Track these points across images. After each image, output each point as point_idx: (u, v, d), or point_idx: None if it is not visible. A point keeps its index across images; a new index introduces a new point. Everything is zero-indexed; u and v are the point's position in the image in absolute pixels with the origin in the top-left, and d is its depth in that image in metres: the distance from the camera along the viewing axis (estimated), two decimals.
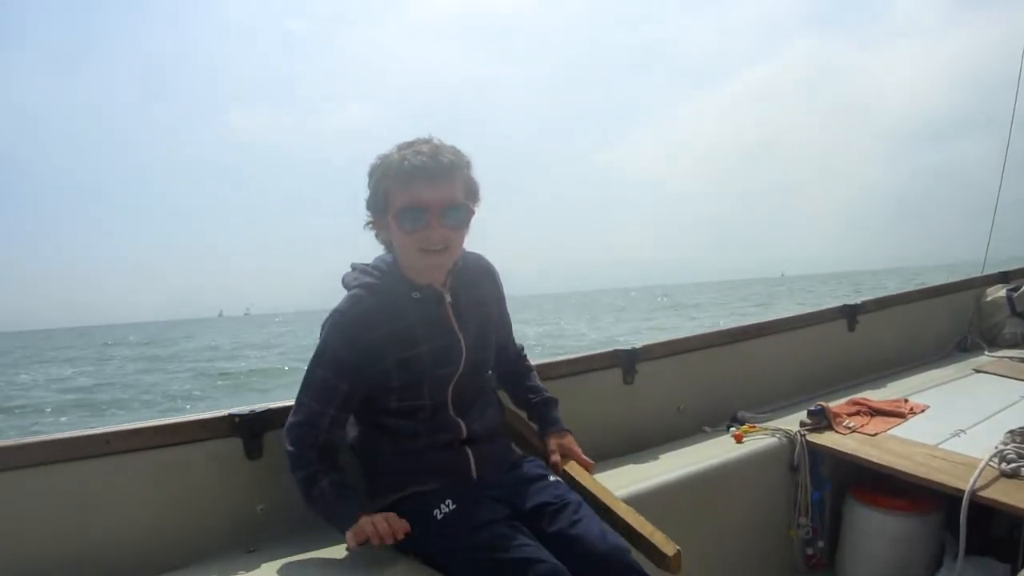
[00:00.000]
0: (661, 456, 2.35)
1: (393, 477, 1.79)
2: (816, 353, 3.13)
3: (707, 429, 2.61)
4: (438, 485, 1.75)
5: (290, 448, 1.73)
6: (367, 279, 1.77)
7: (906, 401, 2.66)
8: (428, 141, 1.71)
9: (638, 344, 2.60)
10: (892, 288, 3.82)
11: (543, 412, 2.03)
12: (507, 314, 2.00)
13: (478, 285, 1.87)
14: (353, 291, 1.76)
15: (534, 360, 2.20)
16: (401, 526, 1.62)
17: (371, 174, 1.74)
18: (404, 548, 1.70)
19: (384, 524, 1.61)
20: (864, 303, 3.35)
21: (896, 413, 2.54)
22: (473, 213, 1.74)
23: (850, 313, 3.28)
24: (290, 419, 1.75)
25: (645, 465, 2.27)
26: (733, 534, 2.25)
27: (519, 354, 2.10)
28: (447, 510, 1.70)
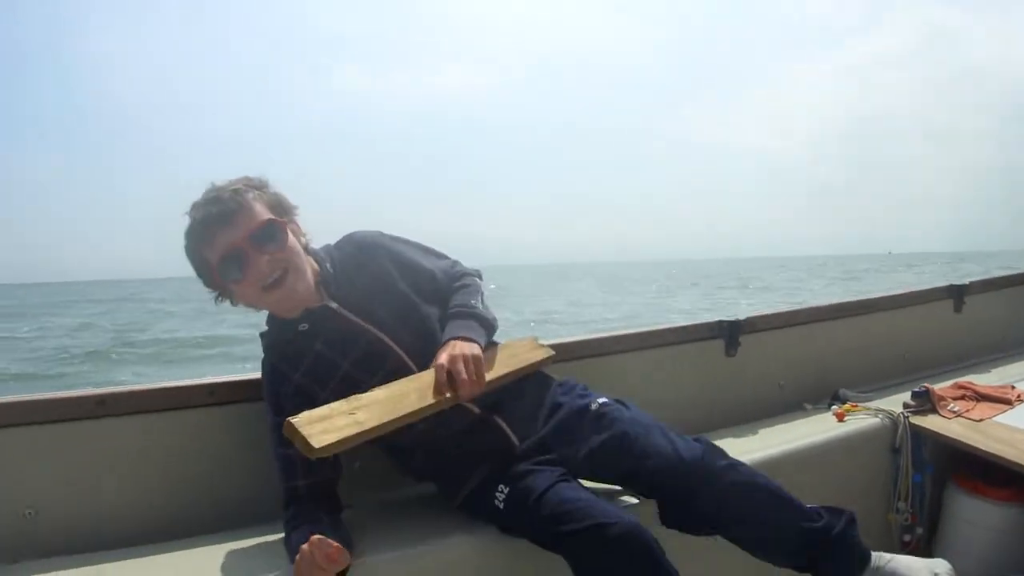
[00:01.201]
0: (760, 431, 2.36)
1: (447, 485, 1.80)
2: (921, 333, 3.07)
3: (808, 406, 2.60)
4: (485, 473, 1.73)
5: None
6: (262, 344, 1.77)
7: (1013, 387, 2.59)
8: (209, 191, 1.64)
9: (742, 316, 2.59)
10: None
11: (450, 319, 1.79)
12: (417, 261, 1.86)
13: (362, 267, 1.77)
14: (262, 359, 1.77)
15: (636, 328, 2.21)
16: (325, 557, 1.35)
17: (185, 253, 1.67)
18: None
19: (307, 557, 1.37)
20: (971, 284, 3.25)
21: (1003, 399, 2.48)
22: (287, 223, 1.67)
23: (957, 293, 3.20)
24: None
25: (744, 439, 2.28)
26: None
27: (449, 275, 1.90)
28: (503, 497, 1.67)
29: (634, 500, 1.83)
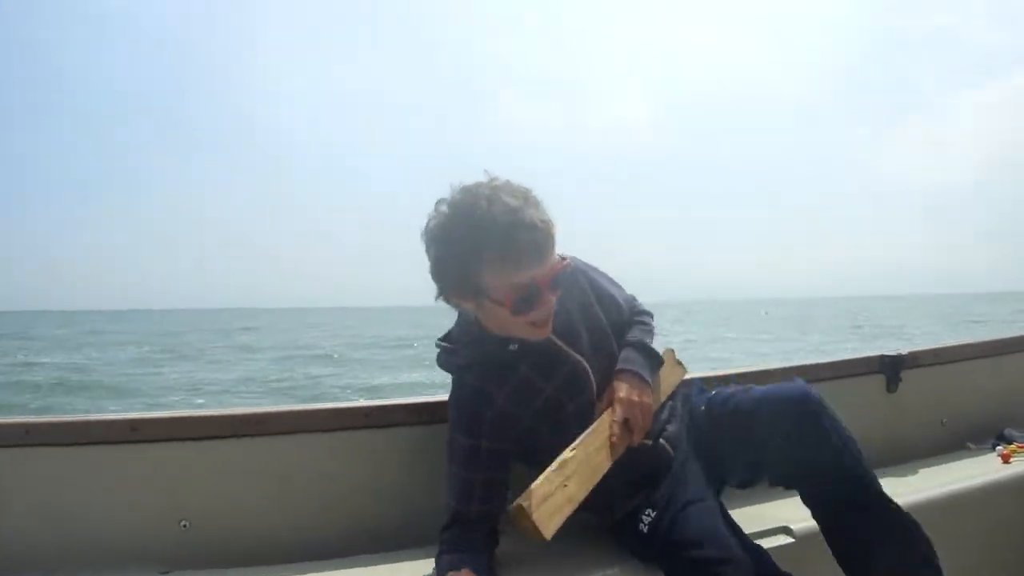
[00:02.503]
0: (920, 471, 2.33)
1: (602, 510, 1.79)
2: None
3: (971, 446, 2.55)
4: (642, 495, 1.75)
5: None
6: (459, 360, 1.75)
7: None
8: (512, 194, 1.52)
9: (904, 350, 2.56)
10: None
11: (627, 346, 1.83)
12: (609, 290, 1.88)
13: (568, 292, 1.73)
14: (455, 376, 1.76)
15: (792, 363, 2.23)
16: None
17: (443, 240, 1.57)
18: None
19: None
20: None
21: None
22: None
23: None
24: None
25: (903, 479, 2.26)
26: (992, 564, 2.18)
27: (631, 309, 1.93)
28: (648, 520, 1.69)
29: (786, 539, 1.86)
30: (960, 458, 2.45)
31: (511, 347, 1.68)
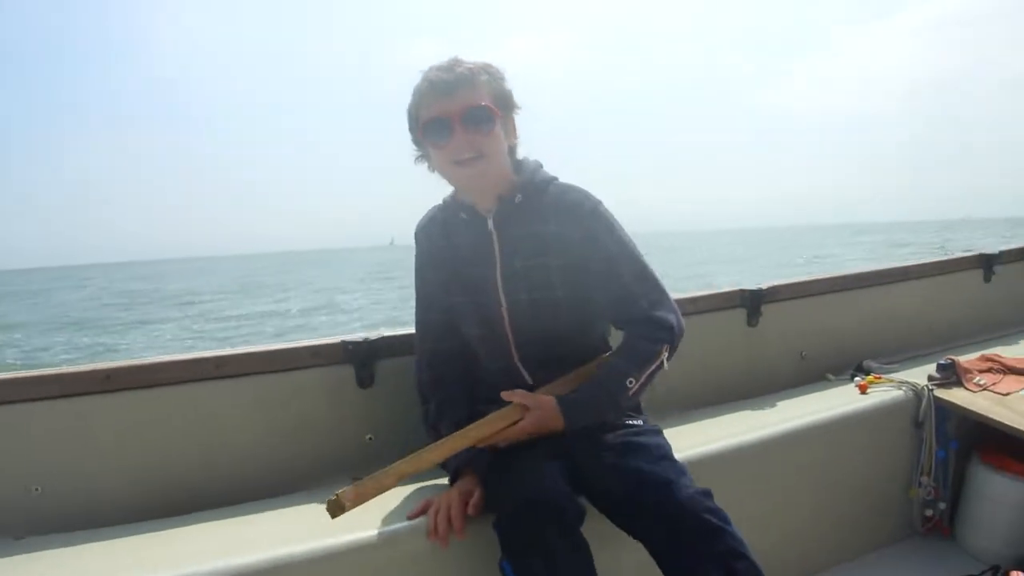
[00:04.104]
0: (781, 403, 2.31)
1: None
2: (947, 303, 3.00)
3: (831, 377, 2.56)
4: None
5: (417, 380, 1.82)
6: (438, 204, 1.85)
7: None
8: (451, 58, 1.70)
9: (764, 285, 2.54)
10: None
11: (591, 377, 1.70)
12: (612, 260, 1.70)
13: (544, 221, 1.70)
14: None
15: None
16: (459, 518, 1.52)
17: (408, 108, 1.74)
18: None
19: (444, 517, 1.52)
20: (1002, 252, 3.15)
21: None
22: (499, 116, 1.67)
23: (986, 263, 3.11)
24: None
25: (764, 411, 2.24)
26: (850, 488, 2.21)
27: (639, 324, 1.70)
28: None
29: None
30: (819, 389, 2.45)
31: (461, 215, 1.76)
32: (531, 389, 1.68)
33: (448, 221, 1.80)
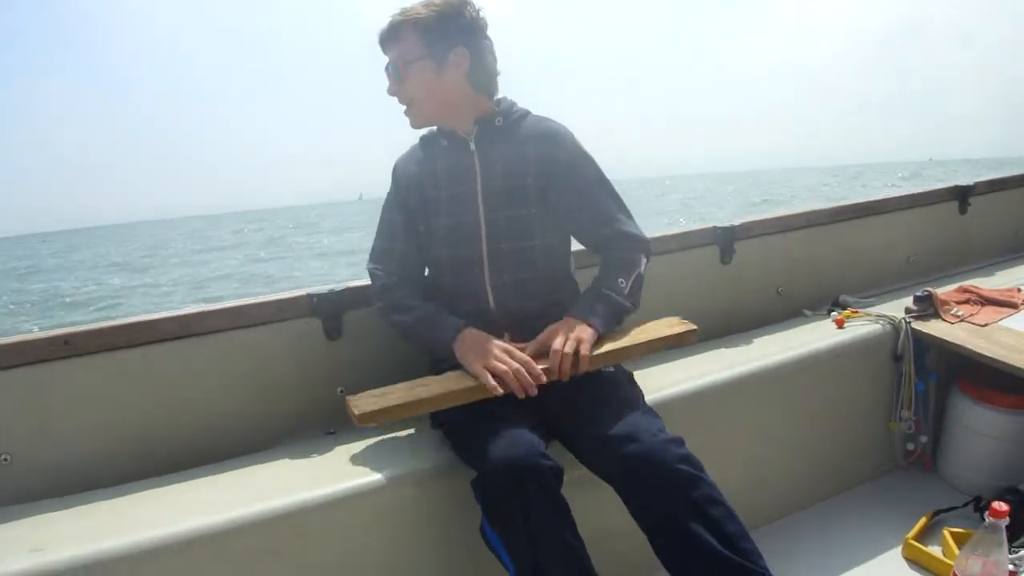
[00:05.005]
0: (757, 340, 2.26)
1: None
2: (924, 236, 2.94)
3: (807, 313, 2.50)
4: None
5: (372, 290, 1.82)
6: (419, 140, 1.88)
7: (1020, 291, 2.49)
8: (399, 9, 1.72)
9: (736, 221, 2.47)
10: None
11: (580, 298, 1.78)
12: (590, 187, 1.80)
13: (523, 144, 1.75)
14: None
15: None
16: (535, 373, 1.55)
17: None
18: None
19: (521, 369, 1.54)
20: (977, 184, 3.10)
21: (1009, 303, 2.38)
22: (417, 60, 1.68)
23: (961, 195, 3.06)
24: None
25: (740, 348, 2.19)
26: (830, 424, 2.18)
27: (616, 238, 1.81)
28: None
29: None
30: (796, 325, 2.39)
31: (442, 141, 1.79)
32: (492, 314, 1.73)
33: (428, 150, 1.82)
